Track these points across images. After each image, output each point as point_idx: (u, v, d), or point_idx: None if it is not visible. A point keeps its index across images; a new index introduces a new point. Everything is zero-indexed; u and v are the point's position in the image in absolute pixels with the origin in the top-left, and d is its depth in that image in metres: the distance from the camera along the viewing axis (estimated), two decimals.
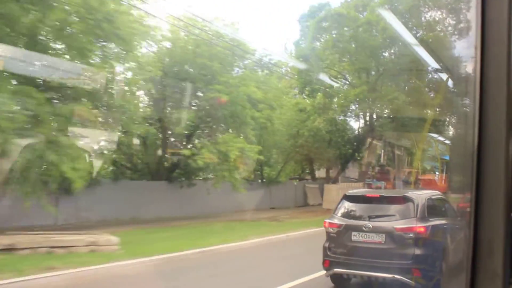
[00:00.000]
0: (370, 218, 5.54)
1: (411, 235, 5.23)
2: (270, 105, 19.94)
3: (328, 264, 5.75)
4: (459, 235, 6.39)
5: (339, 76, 23.78)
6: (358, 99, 22.94)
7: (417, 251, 5.15)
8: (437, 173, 32.72)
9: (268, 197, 23.95)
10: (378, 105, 23.18)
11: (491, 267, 1.21)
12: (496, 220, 1.24)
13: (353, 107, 27.44)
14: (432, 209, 5.80)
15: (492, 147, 1.39)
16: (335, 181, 26.67)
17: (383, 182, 26.21)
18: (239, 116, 17.37)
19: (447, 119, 27.62)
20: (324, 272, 6.53)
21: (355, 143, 28.07)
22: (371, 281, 5.40)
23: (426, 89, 26.15)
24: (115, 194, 15.37)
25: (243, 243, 10.71)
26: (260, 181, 24.03)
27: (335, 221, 5.85)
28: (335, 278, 6.40)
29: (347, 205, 6.06)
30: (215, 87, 15.58)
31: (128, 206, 15.50)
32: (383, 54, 22.91)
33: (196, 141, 17.59)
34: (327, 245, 6.04)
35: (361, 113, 27.38)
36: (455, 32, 22.66)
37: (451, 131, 28.16)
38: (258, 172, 24.44)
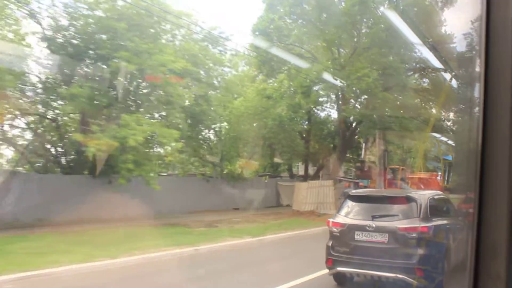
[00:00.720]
0: (373, 217, 5.55)
1: (414, 235, 5.40)
2: (211, 84, 17.56)
3: (331, 263, 5.96)
4: (462, 236, 6.35)
5: (305, 54, 21.34)
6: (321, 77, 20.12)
7: (420, 251, 5.36)
8: (435, 172, 30.16)
9: (231, 196, 21.72)
10: (344, 84, 20.41)
11: (494, 270, 1.22)
12: (500, 222, 1.34)
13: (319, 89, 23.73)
14: (435, 209, 5.89)
15: (496, 147, 1.40)
16: (314, 178, 24.42)
17: (367, 180, 23.79)
18: (155, 92, 14.89)
19: (441, 110, 24.58)
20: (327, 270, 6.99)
21: (336, 136, 25.45)
22: (373, 280, 5.39)
23: (412, 71, 23.04)
24: (18, 190, 13.69)
25: (105, 263, 8.58)
26: (219, 177, 21.95)
27: (339, 220, 5.90)
28: (338, 276, 7.02)
29: (350, 205, 6.12)
30: (121, 54, 13.35)
31: (36, 204, 13.69)
32: (357, 25, 20.35)
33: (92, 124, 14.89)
34: (330, 244, 6.76)
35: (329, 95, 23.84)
36: (446, 6, 20.16)
37: (445, 125, 25.03)
38: (218, 167, 22.41)
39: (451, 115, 25.53)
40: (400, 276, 5.85)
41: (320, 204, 20.22)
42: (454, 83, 19.73)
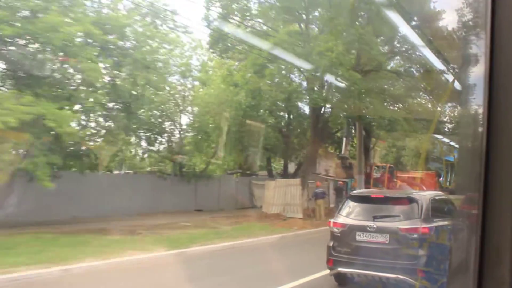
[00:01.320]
0: (374, 218, 5.58)
1: (415, 235, 5.48)
2: (143, 62, 15.01)
3: (332, 263, 5.97)
4: (464, 237, 6.34)
5: (271, 32, 19.10)
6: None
7: (421, 252, 5.49)
8: (432, 171, 28.20)
9: (194, 196, 19.94)
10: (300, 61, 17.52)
11: (498, 274, 1.26)
12: (504, 224, 1.47)
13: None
14: (436, 210, 5.87)
15: (501, 148, 1.41)
16: (294, 177, 22.44)
17: (349, 179, 21.72)
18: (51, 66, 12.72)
19: (433, 101, 21.37)
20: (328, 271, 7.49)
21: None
22: (374, 281, 5.37)
23: (393, 54, 20.00)
24: None
25: None
26: (180, 175, 20.12)
27: (340, 220, 5.98)
28: (339, 277, 7.49)
29: (351, 205, 6.16)
30: None
31: None
32: None
33: None
34: (331, 244, 6.04)
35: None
36: None
37: (441, 120, 22.50)
38: (177, 163, 20.47)
39: (446, 108, 24.22)
40: (402, 277, 5.88)
41: (287, 206, 18.91)
42: (446, 69, 17.88)
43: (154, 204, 17.76)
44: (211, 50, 20.33)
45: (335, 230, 7.04)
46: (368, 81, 18.06)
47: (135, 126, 17.54)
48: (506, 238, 1.35)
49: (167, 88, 18.47)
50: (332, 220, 7.25)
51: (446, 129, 25.63)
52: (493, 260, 1.37)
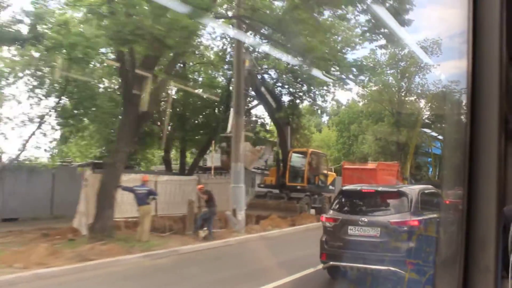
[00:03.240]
0: (366, 212, 5.60)
1: (405, 228, 5.40)
2: None
3: (325, 257, 5.96)
4: (452, 229, 6.38)
5: None
6: None
7: (411, 244, 5.36)
8: (393, 162, 23.25)
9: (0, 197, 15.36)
10: None
11: (483, 262, 1.31)
12: (489, 216, 1.48)
13: None
14: (425, 203, 5.92)
15: (484, 142, 1.50)
16: (191, 170, 17.47)
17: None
18: None
19: None
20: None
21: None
22: (366, 273, 5.44)
23: None
24: None
25: None
26: None
27: (332, 215, 5.90)
28: (332, 270, 6.29)
29: (343, 200, 6.12)
30: None
31: None
32: None
33: None
34: (324, 238, 6.02)
35: None
36: None
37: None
38: None
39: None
40: (392, 269, 5.97)
41: (82, 215, 12.20)
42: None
43: None
44: None
45: (328, 224, 7.55)
46: None
47: None
48: (490, 228, 1.47)
49: None
50: (324, 215, 7.64)
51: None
52: (478, 250, 1.46)
